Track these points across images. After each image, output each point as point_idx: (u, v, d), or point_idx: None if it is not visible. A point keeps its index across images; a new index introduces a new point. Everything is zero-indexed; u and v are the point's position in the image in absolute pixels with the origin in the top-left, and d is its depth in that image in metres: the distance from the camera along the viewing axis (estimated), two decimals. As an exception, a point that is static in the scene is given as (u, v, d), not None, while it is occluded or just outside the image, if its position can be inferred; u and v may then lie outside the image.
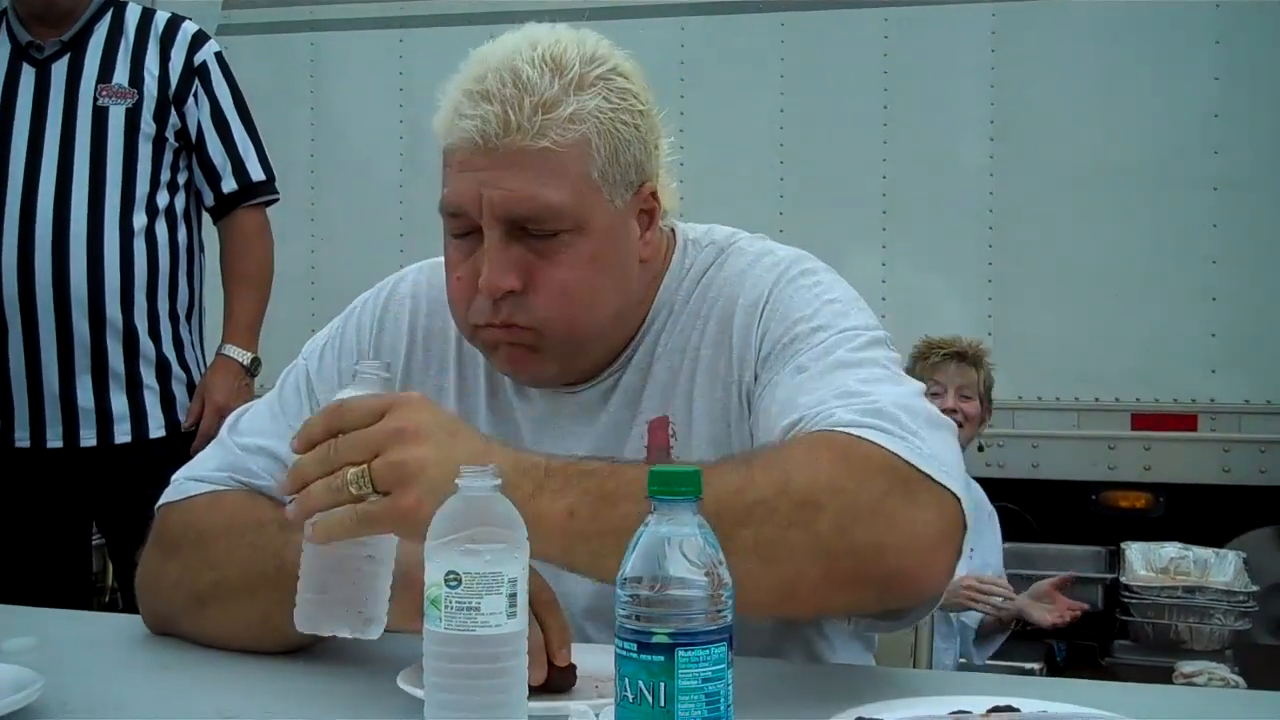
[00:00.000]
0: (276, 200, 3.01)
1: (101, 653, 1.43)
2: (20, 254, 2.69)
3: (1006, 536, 3.94)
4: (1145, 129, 4.88)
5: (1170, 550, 4.41)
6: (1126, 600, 4.26)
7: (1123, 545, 4.49)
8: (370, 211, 5.42)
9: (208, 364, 2.92)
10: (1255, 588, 4.15)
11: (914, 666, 1.87)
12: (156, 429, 2.81)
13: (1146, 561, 4.37)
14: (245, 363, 2.89)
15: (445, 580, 0.97)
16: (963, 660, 3.64)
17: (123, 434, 2.78)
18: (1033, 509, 5.11)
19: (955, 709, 1.09)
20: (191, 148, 2.87)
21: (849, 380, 1.28)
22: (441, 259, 1.42)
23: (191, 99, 2.85)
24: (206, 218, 2.97)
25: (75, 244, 2.71)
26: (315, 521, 1.11)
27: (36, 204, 2.71)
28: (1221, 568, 4.34)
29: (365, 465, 1.10)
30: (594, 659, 1.19)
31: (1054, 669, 4.41)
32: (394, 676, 1.18)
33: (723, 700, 0.91)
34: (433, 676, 0.99)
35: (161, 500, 1.48)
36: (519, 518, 1.00)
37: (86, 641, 1.49)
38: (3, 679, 1.17)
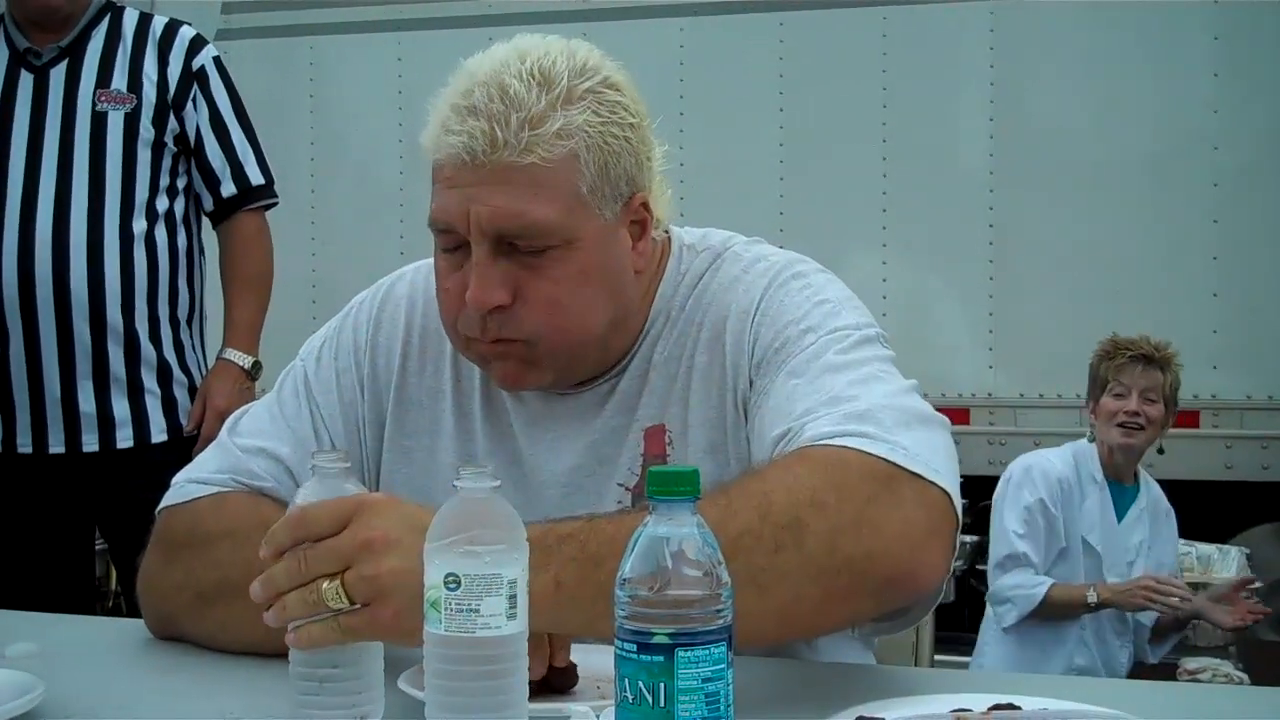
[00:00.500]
0: (276, 204, 3.01)
1: (104, 657, 1.43)
2: (20, 260, 2.69)
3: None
4: (1145, 126, 4.87)
5: (1173, 547, 4.40)
6: (1129, 597, 4.25)
7: (1126, 542, 4.49)
8: (370, 215, 5.41)
9: (209, 368, 2.92)
10: (1258, 584, 4.14)
11: (914, 665, 1.87)
12: (158, 433, 2.81)
13: (1149, 558, 4.37)
14: (246, 366, 2.89)
15: (445, 582, 0.97)
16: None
17: (125, 439, 2.78)
18: (1035, 507, 5.10)
19: (956, 707, 1.09)
20: (190, 152, 2.87)
21: (837, 384, 1.28)
22: None
23: (190, 104, 2.85)
24: (206, 222, 2.97)
25: (75, 249, 2.71)
26: (296, 628, 1.09)
27: (36, 210, 2.71)
28: (1224, 564, 4.34)
29: (339, 579, 1.07)
30: (595, 659, 1.19)
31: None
32: (394, 678, 1.17)
33: (723, 700, 0.90)
34: (433, 678, 0.99)
35: (163, 503, 1.48)
36: (518, 518, 1.00)
37: (89, 646, 1.49)
38: (4, 685, 1.17)
